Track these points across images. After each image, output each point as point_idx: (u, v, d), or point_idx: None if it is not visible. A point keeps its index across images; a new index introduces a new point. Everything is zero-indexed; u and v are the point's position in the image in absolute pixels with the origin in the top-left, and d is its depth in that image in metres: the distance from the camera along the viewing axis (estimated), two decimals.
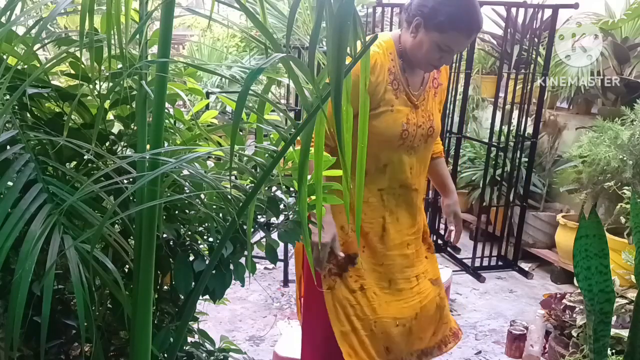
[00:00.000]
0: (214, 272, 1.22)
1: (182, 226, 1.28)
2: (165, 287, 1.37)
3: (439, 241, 4.15)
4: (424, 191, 1.92)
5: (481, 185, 3.99)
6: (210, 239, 1.30)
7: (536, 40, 3.73)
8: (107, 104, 1.20)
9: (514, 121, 3.81)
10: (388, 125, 1.67)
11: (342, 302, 1.75)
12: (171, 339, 1.23)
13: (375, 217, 1.78)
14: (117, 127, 1.29)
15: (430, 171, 1.95)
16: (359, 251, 1.77)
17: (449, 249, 4.11)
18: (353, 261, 1.77)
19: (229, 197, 1.14)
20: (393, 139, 1.69)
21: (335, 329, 1.76)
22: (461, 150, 4.25)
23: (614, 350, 2.14)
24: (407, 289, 1.84)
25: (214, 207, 1.25)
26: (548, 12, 3.62)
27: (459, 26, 1.54)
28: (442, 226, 4.23)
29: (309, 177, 1.03)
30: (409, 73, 1.71)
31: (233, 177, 1.25)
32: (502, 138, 3.90)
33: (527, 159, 3.81)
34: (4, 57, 1.10)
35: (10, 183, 1.03)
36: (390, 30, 4.16)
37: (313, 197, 1.06)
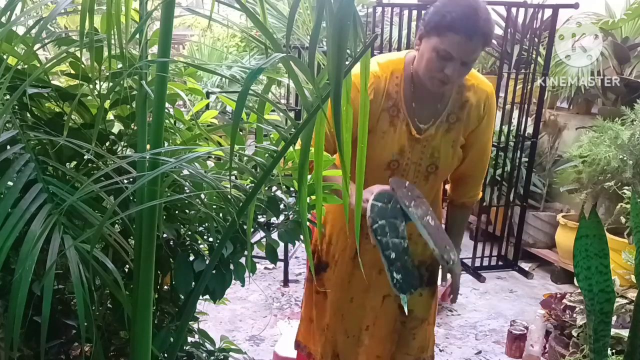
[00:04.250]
0: (214, 272, 1.22)
1: (182, 226, 1.28)
2: (165, 287, 1.37)
3: None
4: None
5: None
6: (210, 239, 1.30)
7: (536, 40, 3.72)
8: (107, 104, 1.20)
9: (514, 121, 3.81)
10: (375, 152, 1.56)
11: (309, 296, 1.86)
12: (171, 339, 1.23)
13: (351, 243, 1.71)
14: (117, 127, 1.29)
15: (447, 216, 1.85)
16: (332, 263, 1.75)
17: None
18: (324, 269, 1.77)
19: (229, 197, 1.14)
20: (379, 166, 1.58)
21: (303, 312, 1.91)
22: None
23: (614, 350, 2.14)
24: (369, 306, 1.77)
25: (214, 207, 1.25)
26: (548, 12, 3.62)
27: (456, 26, 1.42)
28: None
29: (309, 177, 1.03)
30: (418, 102, 1.57)
31: (233, 177, 1.25)
32: (502, 138, 3.90)
33: (527, 159, 3.81)
34: (4, 57, 1.10)
35: (10, 183, 1.03)
36: (390, 30, 4.16)
37: (313, 197, 1.06)
